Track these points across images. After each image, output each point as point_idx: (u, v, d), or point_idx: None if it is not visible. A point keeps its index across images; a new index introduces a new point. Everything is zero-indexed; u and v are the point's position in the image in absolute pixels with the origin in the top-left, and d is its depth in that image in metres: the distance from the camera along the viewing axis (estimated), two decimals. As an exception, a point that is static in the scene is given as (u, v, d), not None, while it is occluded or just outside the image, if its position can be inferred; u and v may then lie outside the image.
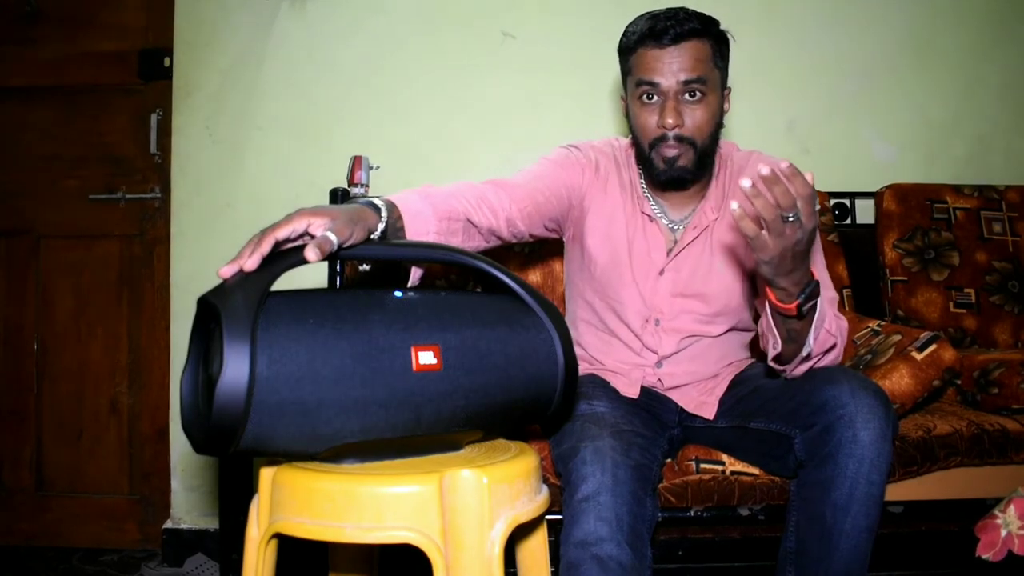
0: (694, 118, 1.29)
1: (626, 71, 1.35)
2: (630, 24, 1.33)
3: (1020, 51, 2.26)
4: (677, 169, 1.31)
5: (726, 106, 1.35)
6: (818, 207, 1.03)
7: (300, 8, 2.18)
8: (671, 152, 1.30)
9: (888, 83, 2.22)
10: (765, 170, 0.96)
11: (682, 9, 1.29)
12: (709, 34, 1.29)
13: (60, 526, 2.24)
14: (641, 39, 1.29)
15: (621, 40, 1.34)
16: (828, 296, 1.31)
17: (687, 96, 1.28)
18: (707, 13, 1.31)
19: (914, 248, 2.02)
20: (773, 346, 1.21)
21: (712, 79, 1.29)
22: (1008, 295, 2.01)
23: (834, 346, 1.23)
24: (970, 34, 2.25)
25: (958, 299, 2.00)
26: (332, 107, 2.18)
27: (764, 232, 1.02)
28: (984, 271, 2.02)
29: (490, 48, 2.19)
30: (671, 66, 1.26)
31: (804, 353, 1.19)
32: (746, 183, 0.98)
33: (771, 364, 1.26)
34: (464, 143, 2.18)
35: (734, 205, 0.99)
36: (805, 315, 1.14)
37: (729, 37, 1.33)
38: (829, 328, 1.20)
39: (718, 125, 1.33)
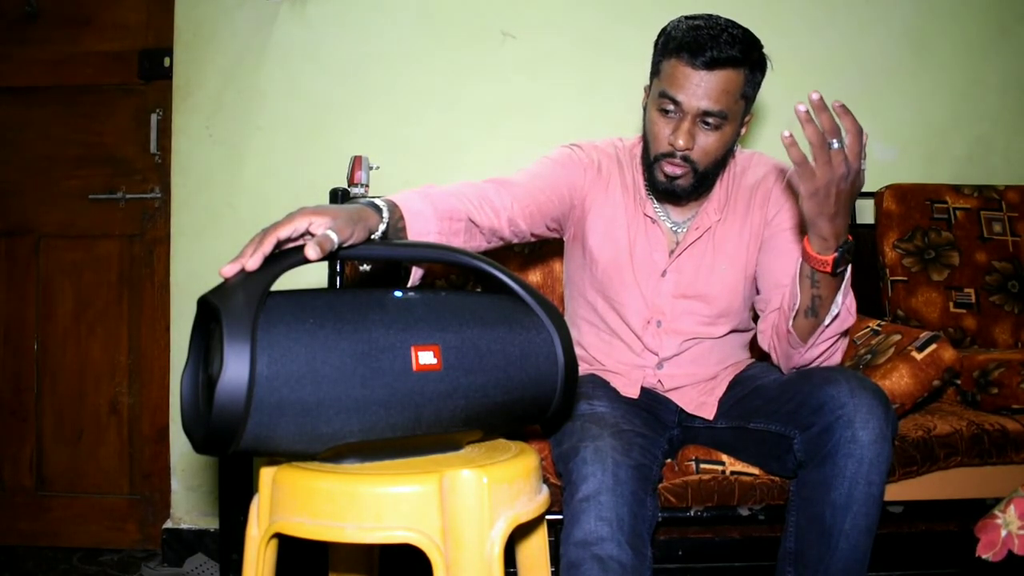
0: (704, 144, 1.28)
1: (655, 71, 1.32)
2: (672, 24, 1.29)
3: (1020, 51, 2.26)
4: (675, 186, 1.32)
5: (743, 131, 1.34)
6: (865, 159, 1.07)
7: (300, 8, 2.18)
8: (674, 170, 1.30)
9: (888, 83, 2.22)
10: (815, 96, 0.99)
11: (728, 29, 1.24)
12: (747, 62, 1.25)
13: (60, 526, 2.24)
14: (678, 49, 1.24)
15: (659, 37, 1.31)
16: None
17: (703, 123, 1.27)
18: (749, 32, 1.27)
19: (914, 248, 2.02)
20: (792, 308, 1.21)
21: (734, 111, 1.27)
22: (1008, 295, 2.01)
23: (847, 332, 1.23)
24: (970, 34, 2.24)
25: (958, 299, 2.00)
26: (332, 107, 2.17)
27: (811, 160, 1.04)
28: (984, 271, 2.02)
29: (490, 48, 2.19)
30: (697, 90, 1.24)
31: (827, 321, 1.19)
32: (801, 107, 1.00)
33: (789, 336, 1.24)
34: (464, 143, 2.18)
35: (785, 132, 1.01)
36: (837, 274, 1.14)
37: (768, 63, 1.30)
38: (849, 307, 1.20)
39: (728, 152, 1.33)
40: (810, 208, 1.09)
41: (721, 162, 1.33)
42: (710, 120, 1.26)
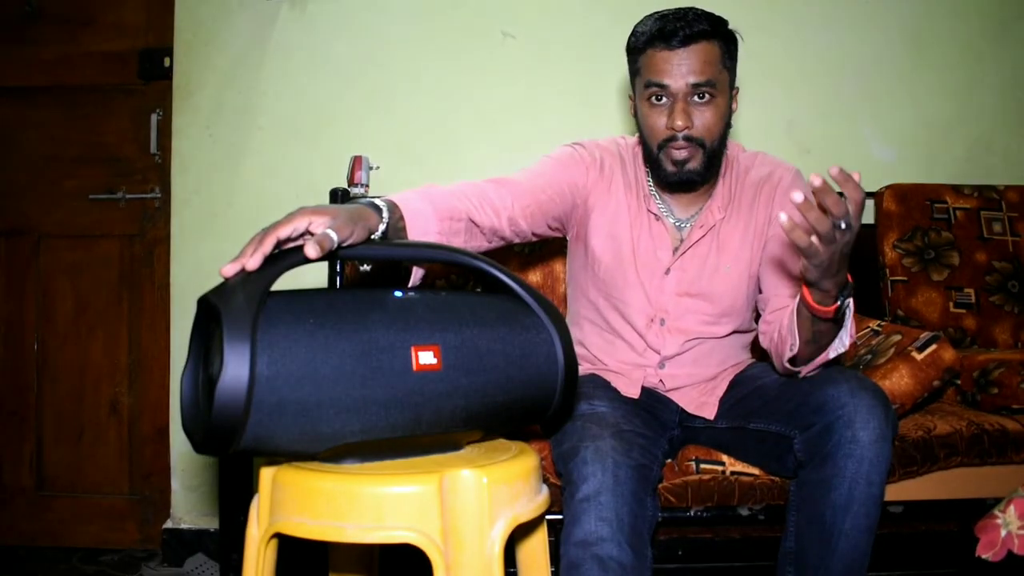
0: (703, 119, 1.29)
1: (634, 71, 1.34)
2: (638, 24, 1.32)
3: (1020, 51, 2.26)
4: (687, 172, 1.31)
5: (734, 106, 1.35)
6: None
7: (300, 8, 2.18)
8: (681, 154, 1.30)
9: (888, 83, 2.22)
10: (817, 181, 0.95)
11: (691, 10, 1.28)
12: (718, 35, 1.28)
13: (60, 526, 2.24)
14: (650, 40, 1.28)
15: (629, 40, 1.34)
16: None
17: (696, 98, 1.28)
18: (712, 12, 1.30)
19: (914, 248, 2.02)
20: (791, 348, 1.20)
21: (721, 81, 1.29)
22: (1008, 295, 2.01)
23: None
24: (969, 34, 2.24)
25: (958, 299, 2.00)
26: (332, 107, 2.17)
27: (815, 240, 1.01)
28: (984, 271, 2.02)
29: (490, 48, 2.18)
30: (680, 68, 1.26)
31: (832, 356, 1.19)
32: (798, 197, 0.96)
33: (785, 366, 1.25)
34: (464, 143, 2.18)
35: (783, 217, 0.99)
36: (838, 319, 1.14)
37: (737, 36, 1.33)
38: (852, 333, 1.20)
39: (727, 126, 1.33)
40: (815, 275, 1.07)
41: (723, 137, 1.33)
42: (702, 93, 1.27)
